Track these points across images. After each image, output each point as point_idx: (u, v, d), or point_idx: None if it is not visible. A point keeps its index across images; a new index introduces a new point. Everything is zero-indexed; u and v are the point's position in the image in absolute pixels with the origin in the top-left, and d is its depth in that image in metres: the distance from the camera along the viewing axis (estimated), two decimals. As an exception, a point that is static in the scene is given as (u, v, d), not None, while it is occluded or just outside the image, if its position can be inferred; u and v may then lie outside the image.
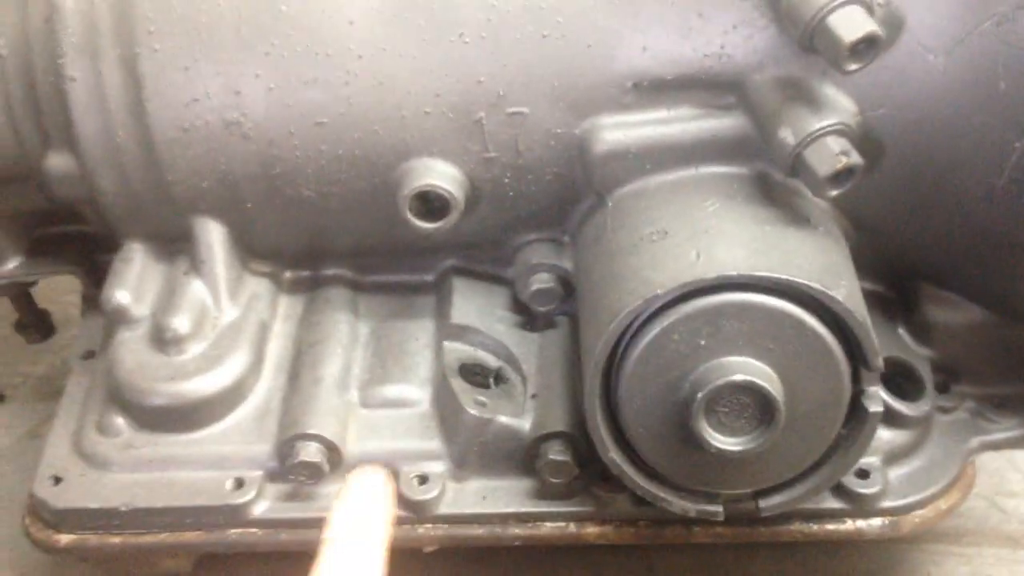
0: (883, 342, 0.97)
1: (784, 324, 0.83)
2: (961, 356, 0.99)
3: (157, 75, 0.93)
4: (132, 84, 0.93)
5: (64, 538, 0.98)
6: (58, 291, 1.32)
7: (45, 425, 1.02)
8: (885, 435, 0.96)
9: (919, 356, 1.00)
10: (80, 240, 1.14)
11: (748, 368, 0.83)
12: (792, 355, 0.84)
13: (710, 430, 0.85)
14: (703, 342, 0.84)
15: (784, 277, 0.82)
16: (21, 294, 1.22)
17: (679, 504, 0.92)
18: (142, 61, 0.92)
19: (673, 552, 1.09)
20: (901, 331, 1.01)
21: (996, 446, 0.99)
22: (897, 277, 1.01)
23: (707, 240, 0.85)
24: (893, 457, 0.96)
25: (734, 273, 0.82)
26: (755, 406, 0.84)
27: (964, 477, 0.97)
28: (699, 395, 0.83)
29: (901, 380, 0.98)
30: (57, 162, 0.99)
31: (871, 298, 1.00)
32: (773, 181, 0.91)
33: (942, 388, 1.00)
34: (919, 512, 0.95)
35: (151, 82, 0.93)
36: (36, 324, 1.24)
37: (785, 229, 0.86)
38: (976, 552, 1.09)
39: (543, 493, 0.97)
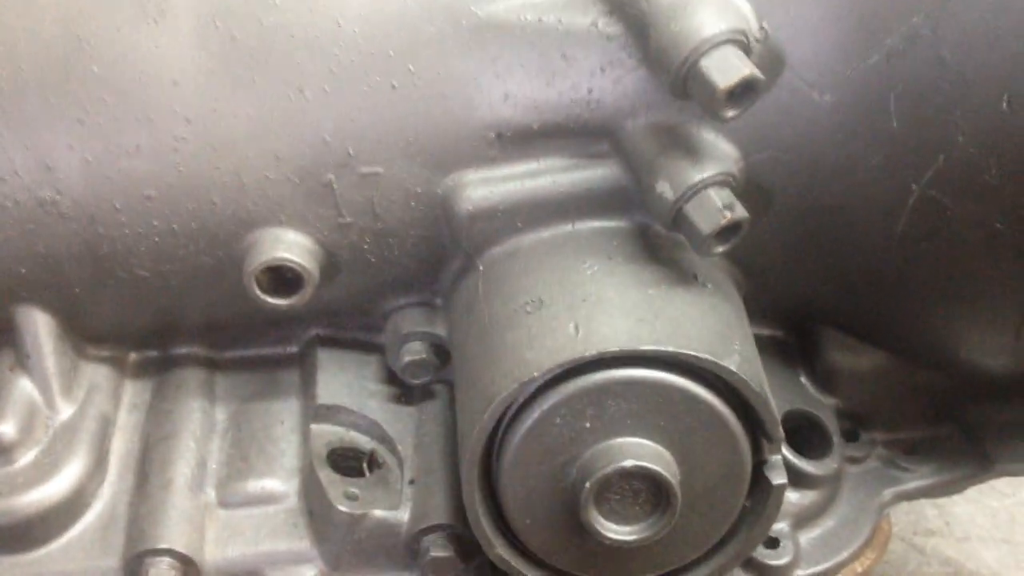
0: (785, 392, 0.92)
1: (674, 399, 0.75)
2: (868, 402, 0.93)
3: (-49, 148, 0.81)
4: (-78, 160, 0.81)
5: None
6: None
7: None
8: (793, 496, 0.89)
9: (823, 405, 0.93)
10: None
11: (639, 451, 0.75)
12: (686, 431, 0.76)
13: (602, 520, 0.77)
14: (588, 424, 0.76)
15: (671, 349, 0.74)
16: None
17: (578, 596, 0.84)
18: (-69, 135, 0.81)
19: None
20: (803, 379, 0.94)
21: (910, 496, 0.93)
22: (796, 321, 0.94)
23: (586, 310, 0.77)
24: (803, 520, 0.90)
25: (616, 349, 0.74)
26: (649, 490, 0.76)
27: (879, 534, 0.91)
28: (587, 484, 0.75)
29: (806, 432, 0.91)
30: None
31: (770, 344, 0.94)
32: (655, 234, 0.83)
33: (851, 436, 0.94)
34: (834, 579, 0.89)
35: (-56, 155, 0.81)
36: None
37: (670, 291, 0.78)
38: (897, 601, 1.04)
39: (429, 589, 0.88)
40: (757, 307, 0.88)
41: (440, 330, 0.91)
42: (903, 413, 0.93)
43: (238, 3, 0.81)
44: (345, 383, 0.94)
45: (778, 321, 0.94)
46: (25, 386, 0.90)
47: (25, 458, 0.88)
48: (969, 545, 1.06)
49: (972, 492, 1.09)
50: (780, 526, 0.88)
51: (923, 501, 1.10)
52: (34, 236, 0.84)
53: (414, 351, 0.91)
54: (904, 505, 1.09)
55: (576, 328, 0.76)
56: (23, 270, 0.86)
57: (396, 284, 0.91)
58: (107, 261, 0.86)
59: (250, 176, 0.83)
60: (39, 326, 0.90)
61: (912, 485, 0.93)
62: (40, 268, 0.86)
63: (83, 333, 0.93)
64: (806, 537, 0.90)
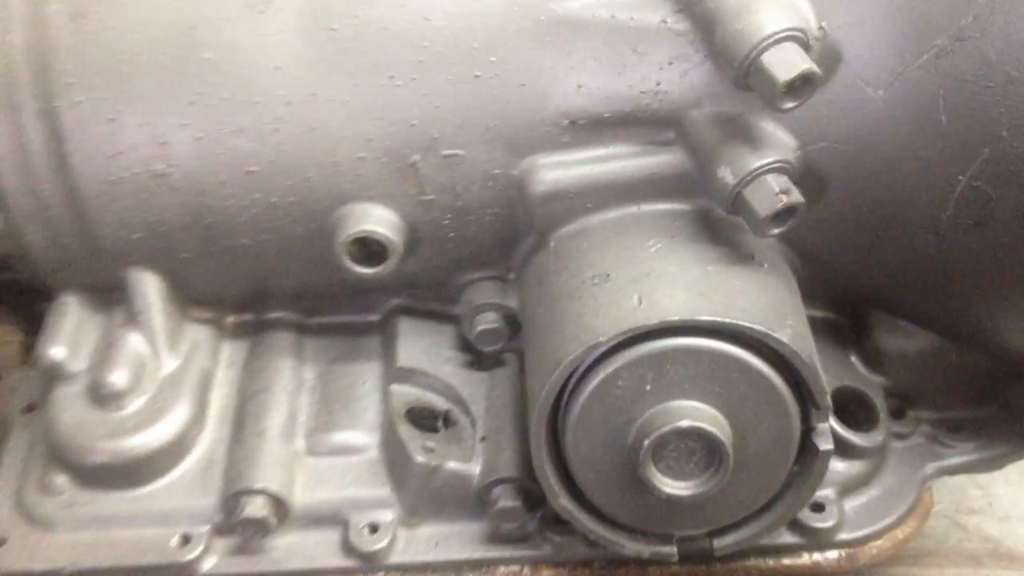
0: (835, 370, 0.97)
1: (729, 367, 0.82)
2: (915, 382, 0.98)
3: (79, 128, 0.90)
4: (54, 138, 0.90)
5: (9, 604, 0.96)
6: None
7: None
8: (839, 466, 0.95)
9: (872, 383, 0.98)
10: (18, 288, 1.11)
11: (694, 413, 0.82)
12: (739, 397, 0.83)
13: (659, 476, 0.83)
14: (648, 387, 0.82)
15: (727, 320, 0.80)
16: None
17: (632, 547, 0.91)
18: (63, 114, 0.89)
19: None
20: (854, 359, 1.00)
21: (952, 471, 0.98)
22: (848, 305, 1.00)
23: (649, 284, 0.83)
24: (848, 488, 0.96)
25: (676, 319, 0.80)
26: (703, 450, 0.83)
27: (921, 505, 0.96)
28: (646, 442, 0.82)
29: (855, 408, 0.97)
30: None
31: (823, 326, 1.00)
32: (715, 217, 0.89)
33: (898, 414, 0.99)
34: (876, 543, 0.95)
35: (73, 136, 0.90)
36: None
37: (729, 269, 0.84)
38: (937, 573, 1.08)
39: (496, 538, 0.95)
40: (812, 290, 0.94)
41: (512, 302, 0.98)
42: (948, 393, 0.98)
43: (335, 1, 0.89)
44: (423, 348, 1.02)
45: (832, 304, 1.00)
46: (135, 340, 0.99)
47: (134, 405, 0.97)
48: (1009, 524, 1.11)
49: (1014, 474, 1.14)
50: (826, 492, 0.94)
51: (967, 482, 1.15)
52: (147, 205, 0.93)
53: (488, 320, 0.98)
54: (948, 484, 1.15)
55: (640, 299, 0.82)
56: (136, 236, 0.95)
57: (472, 259, 0.98)
58: (211, 230, 0.95)
59: (343, 155, 0.90)
60: (149, 287, 0.99)
61: (954, 461, 0.98)
62: (151, 235, 0.95)
63: (187, 296, 1.02)
64: (851, 504, 0.95)
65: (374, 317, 1.06)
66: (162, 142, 0.90)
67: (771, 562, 0.94)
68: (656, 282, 0.83)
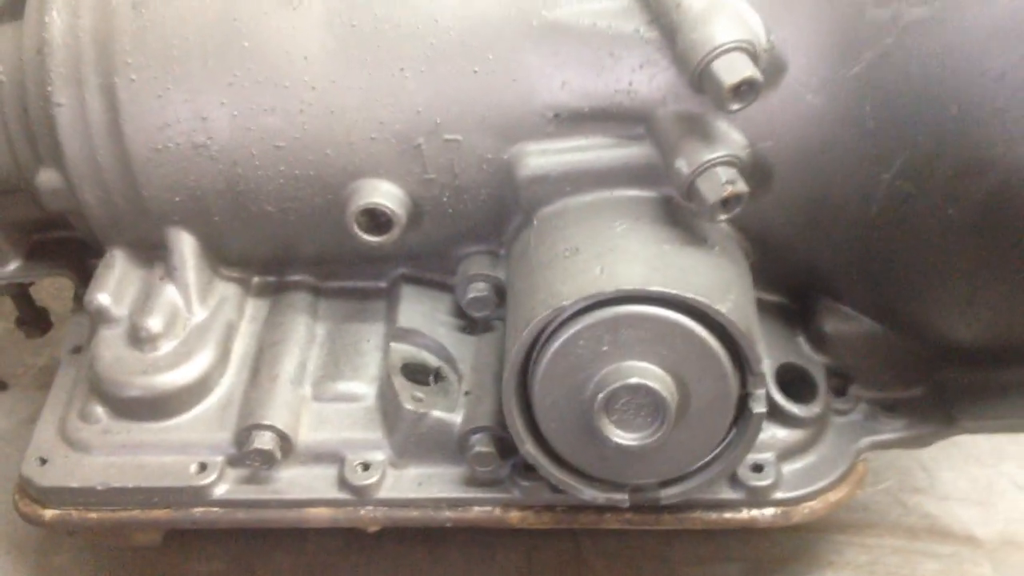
0: (782, 349, 1.09)
1: (675, 333, 0.93)
2: (855, 363, 1.09)
3: (133, 102, 1.04)
4: (111, 109, 1.05)
5: (48, 513, 1.10)
6: (62, 289, 1.44)
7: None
8: (780, 433, 1.06)
9: (815, 363, 1.09)
10: (73, 245, 1.26)
11: (643, 372, 0.94)
12: (683, 360, 0.94)
13: (611, 427, 0.95)
14: (605, 348, 0.94)
15: (675, 292, 0.92)
16: (21, 294, 1.34)
17: (588, 492, 1.02)
18: (120, 89, 1.04)
19: (599, 536, 1.20)
20: (800, 340, 1.10)
21: (885, 445, 1.08)
22: (798, 290, 1.11)
23: (611, 257, 0.95)
24: (787, 454, 1.06)
25: (631, 288, 0.92)
26: (650, 406, 0.94)
27: (854, 473, 1.07)
28: (600, 395, 0.94)
29: (799, 384, 1.08)
30: (47, 178, 1.11)
31: (774, 309, 1.11)
32: (677, 204, 1.00)
33: (840, 391, 1.10)
34: (809, 504, 1.05)
35: (127, 108, 1.04)
36: (35, 321, 1.37)
37: (683, 248, 0.96)
38: (876, 542, 1.18)
39: (472, 481, 1.07)
40: (765, 275, 1.05)
41: (500, 274, 1.10)
42: (885, 375, 1.08)
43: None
44: (421, 312, 1.15)
45: (782, 289, 1.10)
46: (170, 292, 1.13)
47: (166, 347, 1.11)
48: (947, 504, 1.21)
49: (958, 458, 1.25)
50: (766, 456, 1.05)
51: (913, 464, 1.25)
52: (187, 172, 1.07)
53: (478, 289, 1.11)
54: (896, 465, 1.25)
55: (601, 270, 0.94)
56: (176, 199, 1.09)
57: (468, 234, 1.11)
58: (242, 197, 1.08)
59: (358, 136, 1.03)
60: (185, 245, 1.13)
61: (887, 436, 1.08)
62: (190, 198, 1.09)
63: (218, 256, 1.16)
64: (789, 468, 1.05)
65: (381, 283, 1.19)
66: (203, 117, 1.04)
67: (713, 515, 1.05)
68: (618, 256, 0.95)
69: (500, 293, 1.11)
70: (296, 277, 1.20)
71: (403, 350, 1.13)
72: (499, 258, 1.12)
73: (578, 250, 0.98)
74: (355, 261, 1.18)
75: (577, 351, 0.95)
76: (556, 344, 0.95)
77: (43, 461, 1.11)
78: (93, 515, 1.10)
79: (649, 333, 0.94)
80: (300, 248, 1.16)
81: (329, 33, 1.02)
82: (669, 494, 1.02)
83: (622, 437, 0.95)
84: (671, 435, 0.95)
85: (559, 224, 1.02)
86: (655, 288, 0.92)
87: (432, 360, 1.13)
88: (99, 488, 1.08)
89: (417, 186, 1.06)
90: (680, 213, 1.00)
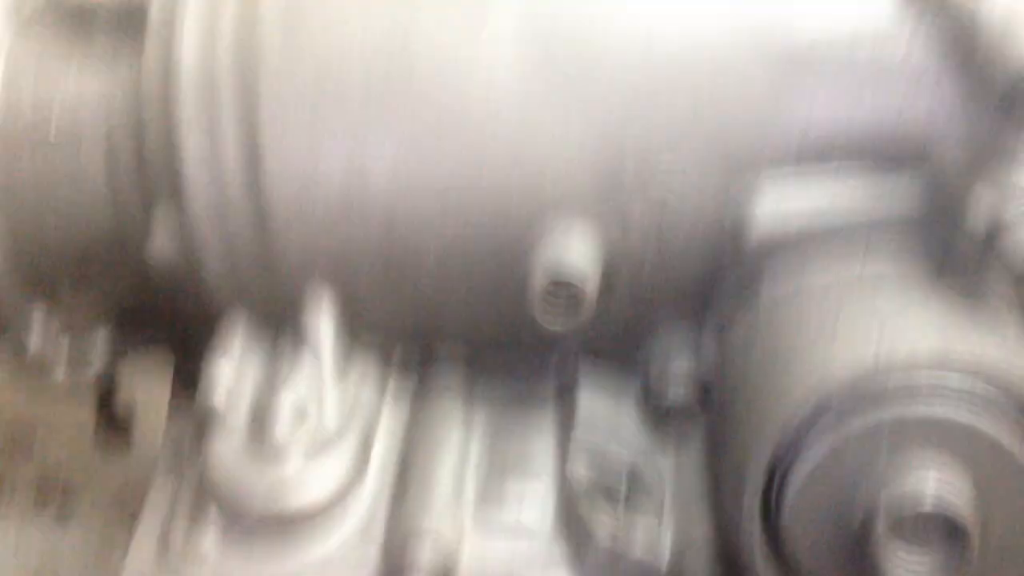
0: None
1: (982, 444, 0.71)
2: None
3: (278, 142, 0.86)
4: (251, 149, 0.87)
5: None
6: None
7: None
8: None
9: None
10: (171, 329, 1.07)
11: (940, 489, 0.71)
12: (990, 477, 0.72)
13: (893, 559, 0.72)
14: (883, 459, 0.72)
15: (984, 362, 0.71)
16: (103, 401, 1.14)
17: (847, 647, 0.78)
18: (263, 127, 0.86)
19: None
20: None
21: None
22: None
23: (889, 328, 0.74)
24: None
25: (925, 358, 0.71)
26: (943, 536, 0.72)
27: None
28: (879, 521, 0.71)
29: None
30: (162, 226, 0.93)
31: None
32: (956, 278, 0.79)
33: None
34: None
35: (271, 148, 0.86)
36: (115, 435, 1.16)
37: (977, 321, 0.75)
38: None
39: (684, 631, 0.84)
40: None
41: (705, 364, 0.90)
42: None
43: (555, 24, 0.85)
44: (603, 417, 0.93)
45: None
46: (302, 381, 0.93)
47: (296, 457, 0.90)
48: None
49: None
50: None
51: None
52: (335, 230, 0.88)
53: (678, 382, 0.90)
54: None
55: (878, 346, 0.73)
56: (319, 261, 0.90)
57: (666, 312, 0.91)
58: (395, 270, 0.90)
59: (548, 180, 0.85)
60: (323, 313, 0.93)
61: None
62: (334, 260, 0.90)
63: (359, 323, 0.95)
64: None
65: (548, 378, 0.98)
66: (360, 164, 0.86)
67: None
68: (897, 322, 0.75)
69: (704, 390, 0.90)
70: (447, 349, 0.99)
71: (585, 459, 0.90)
72: (701, 344, 0.91)
73: (836, 332, 0.77)
74: (520, 342, 0.97)
75: (846, 463, 0.73)
76: (820, 450, 0.73)
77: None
78: None
79: (946, 442, 0.72)
80: (453, 327, 0.96)
81: (521, 62, 0.85)
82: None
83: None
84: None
85: (800, 303, 0.82)
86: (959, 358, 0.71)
87: (621, 478, 0.90)
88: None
89: (615, 244, 0.86)
90: (961, 287, 0.79)
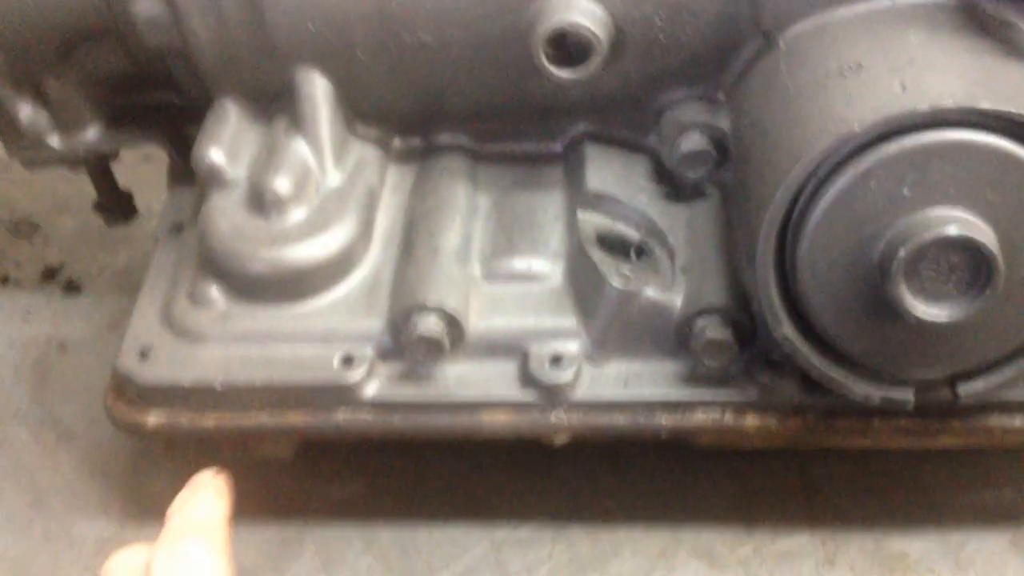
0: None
1: (1009, 169, 0.70)
2: None
3: None
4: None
5: (152, 418, 0.88)
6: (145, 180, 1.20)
7: (125, 319, 0.92)
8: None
9: None
10: (165, 112, 1.03)
11: (962, 221, 0.70)
12: (1015, 208, 0.71)
13: (910, 296, 0.71)
14: (906, 191, 0.71)
15: (1014, 110, 0.68)
16: (101, 170, 1.11)
17: (862, 389, 0.79)
18: None
19: (830, 459, 0.96)
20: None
21: None
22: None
23: (913, 72, 0.72)
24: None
25: (951, 105, 0.69)
26: (966, 268, 0.71)
27: None
28: (900, 253, 0.70)
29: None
30: (146, 5, 0.89)
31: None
32: (982, 12, 0.76)
33: None
34: None
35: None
36: (116, 205, 1.14)
37: (1006, 62, 0.72)
38: None
39: (694, 378, 0.84)
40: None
41: (722, 123, 0.87)
42: None
43: None
44: (614, 174, 0.91)
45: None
46: (300, 148, 0.91)
47: (297, 214, 0.89)
48: None
49: None
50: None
51: None
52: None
53: (694, 141, 0.87)
54: None
55: (903, 87, 0.71)
56: (311, 27, 0.87)
57: (679, 72, 0.88)
58: (393, 22, 0.85)
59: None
60: (318, 89, 0.91)
61: None
62: (328, 25, 0.86)
63: (356, 108, 0.93)
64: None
65: (556, 146, 0.96)
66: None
67: (1018, 421, 0.82)
68: (922, 70, 0.72)
69: (720, 147, 0.87)
70: (447, 139, 0.97)
71: (595, 220, 0.89)
72: (717, 103, 0.88)
73: (860, 66, 0.74)
74: (524, 115, 0.94)
75: (867, 196, 0.71)
76: (838, 186, 0.72)
77: (144, 355, 0.88)
78: (209, 421, 0.87)
79: (971, 170, 0.70)
80: (456, 100, 0.93)
81: None
82: (969, 391, 0.78)
83: (926, 310, 0.72)
84: (988, 310, 0.72)
85: (822, 42, 0.79)
86: (987, 106, 0.68)
87: (632, 232, 0.89)
88: (218, 387, 0.86)
89: (624, 3, 0.82)
90: (990, 23, 0.76)
